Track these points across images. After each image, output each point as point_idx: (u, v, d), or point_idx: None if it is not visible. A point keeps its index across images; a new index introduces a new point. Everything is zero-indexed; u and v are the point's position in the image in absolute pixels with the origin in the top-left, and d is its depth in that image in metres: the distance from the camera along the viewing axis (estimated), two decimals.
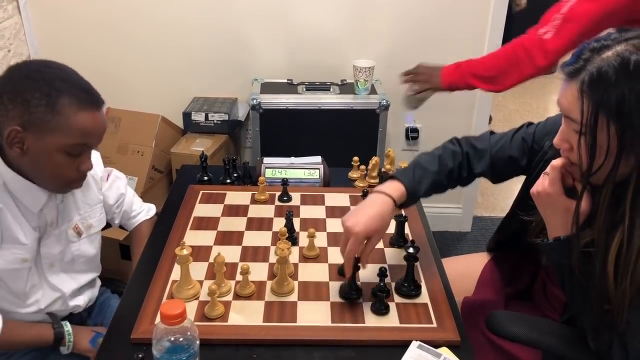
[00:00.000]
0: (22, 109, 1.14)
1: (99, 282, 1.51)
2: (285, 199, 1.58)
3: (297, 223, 1.45)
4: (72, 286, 1.37)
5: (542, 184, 1.13)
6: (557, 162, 1.11)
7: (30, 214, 1.25)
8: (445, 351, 1.08)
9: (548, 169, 1.12)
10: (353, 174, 1.72)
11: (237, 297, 1.21)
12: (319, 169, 1.68)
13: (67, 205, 1.33)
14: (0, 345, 1.24)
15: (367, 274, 1.27)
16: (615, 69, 0.96)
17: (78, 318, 1.43)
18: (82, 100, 1.17)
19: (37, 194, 1.25)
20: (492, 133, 1.38)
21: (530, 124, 1.34)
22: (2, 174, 1.21)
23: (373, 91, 2.36)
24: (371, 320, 1.15)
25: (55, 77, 1.17)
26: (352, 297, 1.20)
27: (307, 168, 1.68)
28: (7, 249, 1.23)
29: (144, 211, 1.59)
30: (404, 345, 1.08)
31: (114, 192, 1.49)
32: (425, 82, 1.81)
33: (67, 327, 1.32)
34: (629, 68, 0.95)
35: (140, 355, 0.96)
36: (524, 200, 1.26)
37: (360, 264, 1.19)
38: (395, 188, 1.24)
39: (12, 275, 1.24)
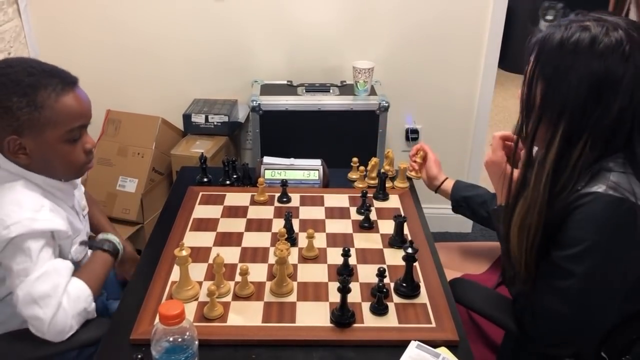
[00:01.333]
0: (7, 117, 1.15)
1: None
2: (285, 199, 1.58)
3: (296, 224, 1.46)
4: None
5: (488, 153, 1.26)
6: (498, 133, 1.24)
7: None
8: (443, 351, 1.08)
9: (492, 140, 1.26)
10: (352, 175, 1.72)
11: (236, 297, 1.21)
12: (318, 170, 1.68)
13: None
14: (96, 286, 1.26)
15: (366, 273, 1.28)
16: (560, 38, 1.03)
17: None
18: (57, 86, 1.19)
19: (69, 190, 1.32)
20: None
21: None
22: (37, 183, 1.24)
23: (372, 92, 2.36)
24: (370, 320, 1.16)
25: (21, 74, 1.18)
26: (345, 322, 1.13)
27: (306, 169, 1.68)
28: (76, 242, 1.32)
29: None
30: (403, 345, 1.08)
31: None
32: None
33: (108, 236, 1.39)
34: (568, 41, 1.02)
35: (139, 356, 0.96)
36: None
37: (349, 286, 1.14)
38: (446, 178, 1.59)
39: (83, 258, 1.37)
